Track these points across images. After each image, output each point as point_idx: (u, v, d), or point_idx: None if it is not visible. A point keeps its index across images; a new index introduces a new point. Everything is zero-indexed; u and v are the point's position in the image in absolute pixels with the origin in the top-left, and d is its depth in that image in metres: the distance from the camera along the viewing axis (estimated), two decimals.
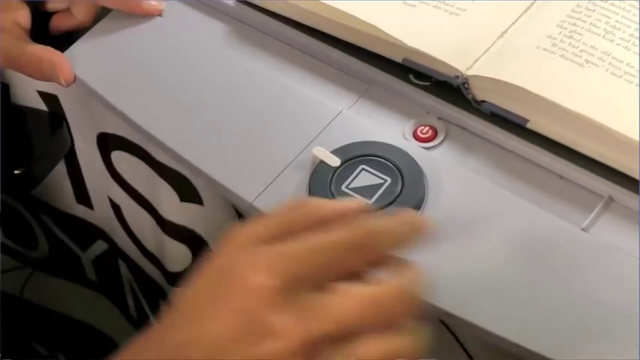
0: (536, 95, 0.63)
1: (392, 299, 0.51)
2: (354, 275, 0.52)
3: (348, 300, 0.51)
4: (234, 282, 0.51)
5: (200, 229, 0.79)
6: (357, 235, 0.52)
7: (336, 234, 0.52)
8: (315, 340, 0.49)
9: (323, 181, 0.64)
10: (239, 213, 0.74)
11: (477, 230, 0.61)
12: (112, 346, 0.98)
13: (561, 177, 0.64)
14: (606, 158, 0.62)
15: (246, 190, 0.65)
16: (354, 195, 0.63)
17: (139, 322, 0.93)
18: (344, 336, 0.50)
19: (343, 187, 0.63)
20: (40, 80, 0.75)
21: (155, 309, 0.87)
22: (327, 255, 0.52)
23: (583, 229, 0.61)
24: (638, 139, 0.60)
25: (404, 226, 0.54)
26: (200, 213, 0.77)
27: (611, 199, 0.62)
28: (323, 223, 0.53)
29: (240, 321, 0.50)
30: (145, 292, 0.88)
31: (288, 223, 0.53)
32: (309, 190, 0.64)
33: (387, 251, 0.53)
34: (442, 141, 0.66)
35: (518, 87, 0.64)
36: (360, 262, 0.53)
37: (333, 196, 0.63)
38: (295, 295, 0.50)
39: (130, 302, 0.93)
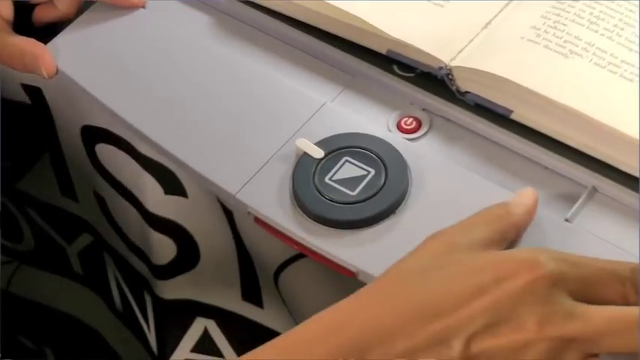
0: (520, 86, 0.63)
1: None
2: None
3: (601, 314, 0.51)
4: (508, 257, 0.53)
5: (185, 222, 0.79)
6: (632, 270, 0.53)
7: (620, 263, 0.54)
8: (564, 339, 0.50)
9: (306, 172, 0.64)
10: (224, 206, 0.73)
11: (460, 220, 0.61)
12: (99, 339, 0.98)
13: (545, 168, 0.63)
14: (590, 149, 0.62)
15: (229, 183, 0.65)
16: (338, 187, 0.63)
17: (125, 316, 0.92)
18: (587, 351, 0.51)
19: (327, 179, 0.63)
20: (23, 72, 0.74)
21: (141, 302, 0.87)
22: (599, 273, 0.53)
23: (567, 220, 0.61)
24: (621, 130, 0.60)
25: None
26: (185, 206, 0.77)
27: (594, 190, 0.62)
28: None
29: (495, 300, 0.51)
30: (131, 285, 0.88)
31: None
32: (293, 182, 0.63)
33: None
34: (426, 132, 0.66)
35: (502, 78, 0.63)
36: (620, 297, 0.53)
37: (316, 189, 0.63)
38: (556, 292, 0.51)
39: (116, 295, 0.92)
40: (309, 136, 0.65)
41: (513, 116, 0.64)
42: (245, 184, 0.65)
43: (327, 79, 0.70)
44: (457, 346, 0.51)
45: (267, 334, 0.79)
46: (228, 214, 0.73)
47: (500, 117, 0.65)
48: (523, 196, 0.58)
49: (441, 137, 0.66)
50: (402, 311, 0.52)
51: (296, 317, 0.75)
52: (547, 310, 0.51)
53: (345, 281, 0.64)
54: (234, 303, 0.80)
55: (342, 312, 0.53)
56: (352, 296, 0.54)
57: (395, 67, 0.68)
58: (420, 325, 0.51)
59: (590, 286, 0.53)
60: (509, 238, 0.57)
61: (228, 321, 0.81)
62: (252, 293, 0.78)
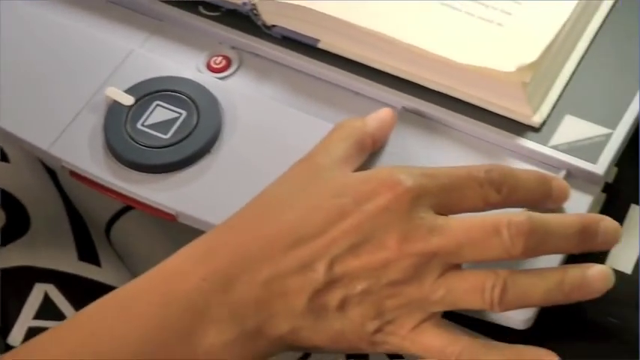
0: (323, 14, 0.63)
1: (518, 241, 0.52)
2: None
3: (469, 226, 0.52)
4: (366, 177, 0.54)
5: (10, 188, 0.77)
6: (491, 172, 0.54)
7: (473, 167, 0.54)
8: (427, 254, 0.51)
9: (117, 121, 0.63)
10: (46, 166, 0.72)
11: (276, 153, 0.61)
12: None
13: (356, 93, 0.64)
14: (397, 70, 0.63)
15: (41, 138, 0.64)
16: (151, 132, 0.62)
17: None
18: (453, 262, 0.52)
19: (139, 125, 0.63)
20: None
21: None
22: (459, 179, 0.53)
23: None
24: (426, 49, 0.61)
25: (541, 185, 0.55)
26: (7, 171, 0.75)
27: (404, 110, 0.63)
28: None
29: (353, 218, 0.52)
30: None
31: None
32: (105, 132, 0.63)
33: (512, 199, 0.54)
34: (236, 70, 0.66)
35: (305, 8, 0.63)
36: (482, 200, 0.53)
37: (129, 136, 0.62)
38: (418, 207, 0.52)
39: None
40: (119, 84, 0.65)
41: (320, 45, 0.65)
42: (57, 139, 0.64)
43: (133, 26, 0.69)
44: (321, 268, 0.51)
45: (108, 292, 0.79)
46: (52, 173, 0.72)
47: (308, 47, 0.65)
48: (378, 112, 0.60)
49: (252, 73, 0.66)
50: (266, 238, 0.53)
51: (133, 272, 0.74)
52: (407, 227, 0.52)
53: (175, 228, 0.63)
54: (71, 264, 0.78)
55: (208, 242, 0.54)
56: (219, 226, 0.54)
57: (201, 8, 0.68)
58: (284, 251, 0.52)
59: (449, 195, 0.53)
60: (367, 149, 0.58)
61: (68, 283, 0.80)
62: (87, 252, 0.77)
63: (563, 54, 0.62)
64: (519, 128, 0.61)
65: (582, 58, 0.63)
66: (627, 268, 0.59)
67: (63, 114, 0.64)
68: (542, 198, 0.56)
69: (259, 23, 0.66)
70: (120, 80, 0.65)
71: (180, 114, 0.63)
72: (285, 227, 0.53)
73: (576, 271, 0.53)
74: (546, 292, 0.53)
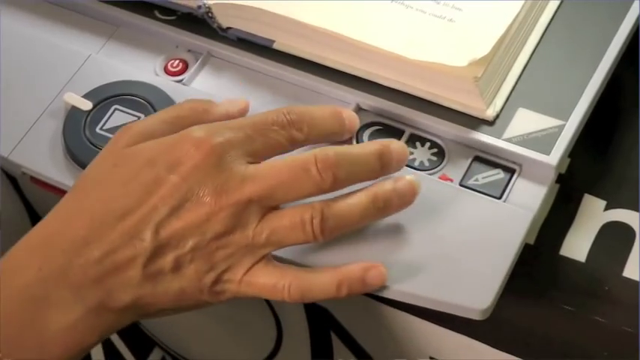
0: (277, 15, 0.64)
1: (324, 173, 0.55)
2: None
3: (278, 168, 0.55)
4: (164, 149, 0.55)
5: None
6: (290, 113, 0.57)
7: (272, 111, 0.57)
8: (244, 201, 0.54)
9: (76, 126, 0.63)
10: (7, 173, 0.72)
11: None
12: None
13: (313, 92, 0.65)
14: (352, 68, 0.64)
15: (0, 145, 0.64)
16: (110, 136, 0.62)
17: None
18: (271, 204, 0.55)
19: (97, 130, 0.63)
20: None
21: None
22: (256, 126, 0.56)
23: None
24: (378, 46, 0.62)
25: (335, 118, 0.59)
26: None
27: (358, 107, 0.64)
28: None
29: (164, 187, 0.54)
30: None
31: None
32: (64, 137, 0.63)
33: (313, 135, 0.58)
34: (193, 72, 0.67)
35: (259, 9, 0.64)
36: (288, 140, 0.56)
37: (88, 141, 0.63)
38: (225, 161, 0.54)
39: None
40: (78, 89, 0.65)
41: (276, 46, 0.65)
42: (16, 145, 0.64)
43: (90, 32, 0.69)
44: (147, 236, 0.54)
45: None
46: (13, 180, 0.72)
47: (263, 48, 0.66)
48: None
49: (209, 75, 0.67)
50: (92, 219, 0.55)
51: None
52: (220, 180, 0.54)
53: None
54: None
55: (40, 233, 0.56)
56: (48, 216, 0.56)
57: (156, 12, 0.68)
58: (110, 228, 0.54)
59: (256, 142, 0.56)
60: (184, 122, 0.58)
61: None
62: None
63: (514, 48, 0.63)
64: (473, 122, 0.62)
65: (534, 51, 0.64)
66: (581, 257, 0.60)
67: (22, 120, 0.65)
68: (339, 129, 0.60)
69: (215, 26, 0.66)
70: (78, 86, 0.66)
71: (139, 117, 0.63)
72: (106, 205, 0.55)
73: (387, 186, 0.57)
74: (363, 211, 0.56)
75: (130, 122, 0.60)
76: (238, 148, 0.55)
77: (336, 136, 0.60)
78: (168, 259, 0.54)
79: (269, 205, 0.55)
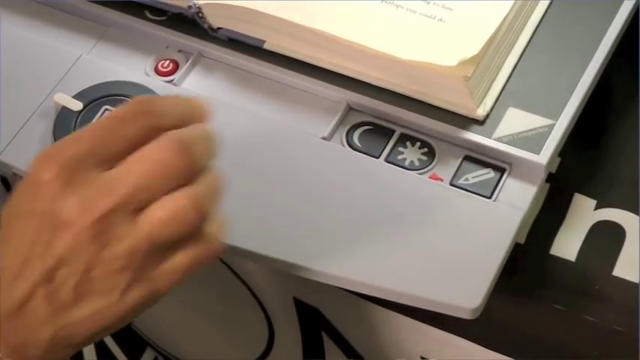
0: (267, 15, 0.64)
1: (177, 157, 0.51)
2: None
3: (133, 168, 0.51)
4: (23, 187, 0.52)
5: None
6: (134, 105, 0.53)
7: (115, 110, 0.54)
8: (106, 215, 0.50)
9: (66, 126, 0.63)
10: (0, 175, 0.73)
11: (225, 154, 0.62)
12: None
13: (304, 91, 0.65)
14: (342, 68, 0.64)
15: None
16: None
17: None
18: (138, 207, 0.51)
19: None
20: None
21: None
22: (104, 128, 0.52)
23: (324, 138, 0.62)
24: (368, 45, 0.62)
25: (182, 104, 0.54)
26: None
27: (349, 107, 0.64)
28: None
29: (34, 222, 0.50)
30: None
31: None
32: (54, 138, 0.63)
33: (166, 122, 0.53)
34: (184, 72, 0.67)
35: (249, 9, 0.64)
36: (142, 134, 0.52)
37: None
38: (79, 176, 0.50)
39: None
40: (68, 90, 0.65)
41: (266, 46, 0.65)
42: (7, 146, 0.64)
43: (81, 33, 0.69)
44: (36, 271, 0.51)
45: None
46: (4, 180, 0.72)
47: (254, 48, 0.66)
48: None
49: (200, 75, 0.67)
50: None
51: None
52: (79, 198, 0.50)
53: None
54: None
55: None
56: None
57: (147, 13, 0.68)
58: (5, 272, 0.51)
59: (106, 146, 0.52)
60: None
61: None
62: None
63: (504, 47, 0.63)
64: (464, 122, 0.62)
65: (524, 51, 0.64)
66: (571, 256, 0.60)
67: (13, 121, 0.65)
68: (188, 117, 0.54)
69: (205, 26, 0.66)
70: (69, 86, 0.66)
71: None
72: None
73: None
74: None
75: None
76: (89, 159, 0.51)
77: (193, 118, 0.54)
78: (66, 288, 0.51)
79: (136, 208, 0.51)
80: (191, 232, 0.52)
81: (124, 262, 0.51)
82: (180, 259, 0.52)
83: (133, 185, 0.51)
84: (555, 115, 0.61)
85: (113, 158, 0.51)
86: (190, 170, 0.52)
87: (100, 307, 0.52)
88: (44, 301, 0.51)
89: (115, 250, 0.51)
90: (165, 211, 0.51)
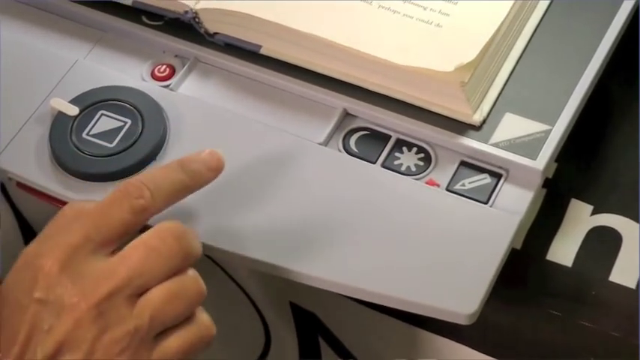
0: (264, 20, 0.64)
1: (173, 244, 0.54)
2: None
3: (130, 254, 0.53)
4: (19, 273, 0.54)
5: None
6: (123, 185, 0.55)
7: (109, 194, 0.55)
8: (106, 298, 0.52)
9: (63, 131, 0.63)
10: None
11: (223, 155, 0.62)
12: None
13: (300, 97, 0.65)
14: (339, 73, 0.64)
15: None
16: (96, 141, 0.63)
17: None
18: (136, 292, 0.53)
19: (84, 135, 0.63)
20: None
21: None
22: (100, 212, 0.54)
23: (321, 143, 0.62)
24: (365, 51, 0.62)
25: (175, 171, 0.56)
26: None
27: (345, 112, 0.64)
28: None
29: (31, 308, 0.52)
30: None
31: None
32: (50, 142, 0.63)
33: (160, 196, 0.55)
34: (180, 77, 0.67)
35: (247, 15, 0.64)
36: (132, 213, 0.54)
37: (75, 146, 0.63)
38: (78, 263, 0.53)
39: None
40: (65, 94, 0.65)
41: (263, 51, 0.65)
42: (3, 150, 0.64)
43: (77, 37, 0.69)
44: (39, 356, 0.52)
45: None
46: (0, 185, 0.72)
47: (251, 53, 0.66)
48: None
49: (196, 80, 0.67)
50: None
51: None
52: (79, 284, 0.53)
53: None
54: None
55: None
56: None
57: (144, 18, 0.68)
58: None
59: (100, 232, 0.54)
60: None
61: None
62: None
63: (501, 53, 0.63)
64: (460, 127, 0.62)
65: (520, 56, 0.64)
66: (568, 262, 0.60)
67: (9, 126, 0.65)
68: (189, 180, 0.57)
69: (202, 31, 0.66)
70: (65, 91, 0.65)
71: (125, 123, 0.63)
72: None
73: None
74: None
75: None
76: (89, 245, 0.53)
77: (190, 188, 0.57)
78: None
79: (134, 293, 0.53)
80: (187, 317, 0.54)
81: (124, 345, 0.52)
82: (176, 343, 0.54)
83: (130, 270, 0.53)
84: (552, 121, 0.61)
85: (108, 244, 0.54)
86: (185, 256, 0.54)
87: None
88: None
89: (114, 334, 0.52)
90: (165, 292, 0.53)
